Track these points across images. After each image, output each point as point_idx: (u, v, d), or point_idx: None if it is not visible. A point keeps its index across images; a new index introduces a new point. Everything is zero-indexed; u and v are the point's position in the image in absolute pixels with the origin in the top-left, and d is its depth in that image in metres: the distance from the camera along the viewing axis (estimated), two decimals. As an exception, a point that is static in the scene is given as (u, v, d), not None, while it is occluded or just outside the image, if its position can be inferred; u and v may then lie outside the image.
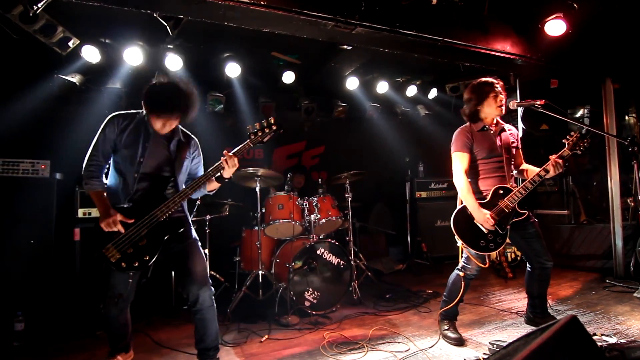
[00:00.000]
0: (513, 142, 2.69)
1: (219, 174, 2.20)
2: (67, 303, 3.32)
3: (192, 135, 2.42)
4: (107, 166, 2.22)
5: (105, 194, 2.15)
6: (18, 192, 3.19)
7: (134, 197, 2.15)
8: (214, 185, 2.31)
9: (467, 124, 2.69)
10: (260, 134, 2.23)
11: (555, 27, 3.42)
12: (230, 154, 2.18)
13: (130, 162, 2.16)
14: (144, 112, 2.20)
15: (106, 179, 2.23)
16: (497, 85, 2.58)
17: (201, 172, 2.44)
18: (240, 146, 2.21)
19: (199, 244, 2.32)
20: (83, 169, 2.14)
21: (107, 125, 2.16)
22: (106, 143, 2.15)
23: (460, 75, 4.94)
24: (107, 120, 2.17)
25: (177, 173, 2.25)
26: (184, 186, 2.30)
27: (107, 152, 2.17)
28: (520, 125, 4.31)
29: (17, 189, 3.19)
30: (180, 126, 2.33)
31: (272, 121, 2.24)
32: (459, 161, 2.60)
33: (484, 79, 2.65)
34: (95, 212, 3.03)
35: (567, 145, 2.49)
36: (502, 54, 3.58)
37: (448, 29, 3.27)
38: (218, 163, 2.18)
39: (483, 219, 2.46)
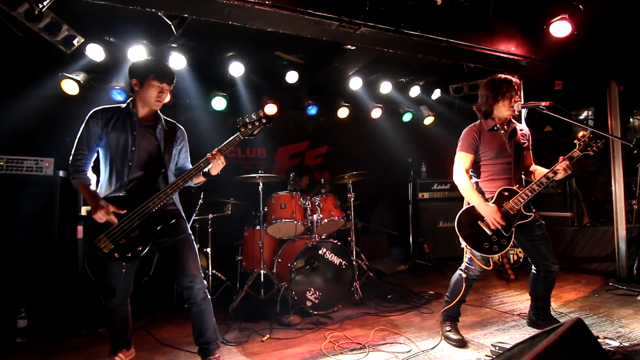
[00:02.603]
0: (524, 143, 2.64)
1: (206, 169, 2.25)
2: (70, 300, 3.33)
3: (177, 123, 2.43)
4: (92, 160, 2.24)
5: (92, 187, 2.18)
6: (22, 190, 3.20)
7: (127, 188, 2.17)
8: (200, 179, 2.36)
9: (478, 122, 2.65)
10: (250, 127, 2.28)
11: (560, 28, 3.39)
12: (217, 149, 2.22)
13: (122, 152, 2.19)
14: (128, 102, 2.27)
15: (94, 172, 2.25)
16: (514, 85, 2.53)
17: (188, 163, 2.47)
18: (230, 139, 2.25)
19: (192, 238, 2.33)
20: (69, 164, 2.17)
21: (91, 119, 2.20)
22: (91, 137, 2.18)
23: (464, 76, 4.93)
24: (89, 115, 2.21)
25: (167, 163, 2.27)
26: (173, 176, 2.33)
27: (92, 146, 2.20)
28: (525, 126, 4.29)
29: (21, 187, 3.20)
30: (161, 114, 2.36)
31: (262, 114, 2.29)
32: (461, 160, 2.58)
33: (502, 76, 2.57)
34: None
35: (577, 146, 2.42)
36: (506, 55, 3.56)
37: (453, 30, 3.25)
38: (206, 157, 2.21)
39: (490, 213, 2.42)
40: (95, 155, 2.25)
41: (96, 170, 2.26)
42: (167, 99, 2.29)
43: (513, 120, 2.65)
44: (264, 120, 2.29)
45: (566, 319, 2.87)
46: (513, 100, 2.51)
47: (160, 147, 2.28)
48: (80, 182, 2.16)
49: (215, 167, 2.24)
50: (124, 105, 2.28)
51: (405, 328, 2.98)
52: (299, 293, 3.27)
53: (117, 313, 2.30)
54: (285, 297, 3.29)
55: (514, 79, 2.56)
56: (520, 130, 2.67)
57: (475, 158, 2.60)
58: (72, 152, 2.18)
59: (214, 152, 2.22)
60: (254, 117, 2.29)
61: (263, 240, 3.62)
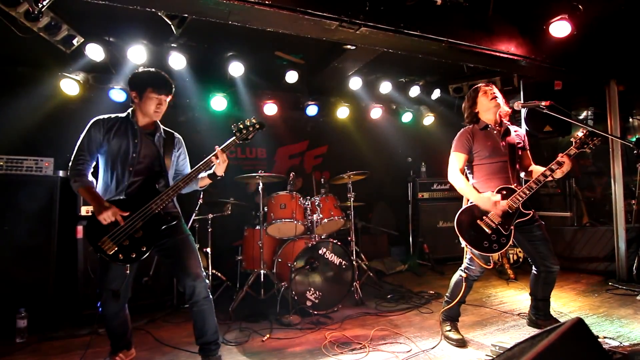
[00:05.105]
0: (519, 143, 2.67)
1: (210, 170, 2.31)
2: (70, 300, 3.33)
3: (174, 132, 2.50)
4: (93, 165, 2.27)
5: (94, 189, 2.20)
6: (22, 190, 3.19)
7: (127, 191, 2.21)
8: (205, 182, 2.40)
9: (471, 125, 2.71)
10: (244, 132, 2.37)
11: (560, 28, 3.39)
12: (220, 147, 2.28)
13: (123, 157, 2.23)
14: (128, 111, 2.32)
15: (93, 178, 2.28)
16: (485, 86, 2.66)
17: (188, 169, 2.51)
18: (227, 142, 2.33)
19: (192, 238, 2.36)
20: (69, 169, 2.19)
21: (92, 127, 2.24)
22: (92, 143, 2.22)
23: (464, 76, 4.92)
24: (90, 124, 2.25)
25: (167, 167, 2.34)
26: (172, 181, 2.39)
27: (93, 152, 2.24)
28: (524, 126, 4.29)
29: (20, 187, 3.19)
30: (160, 123, 2.41)
31: (254, 121, 2.39)
32: (455, 161, 2.63)
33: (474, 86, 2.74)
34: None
35: (574, 144, 2.44)
36: (506, 55, 3.56)
37: (452, 30, 3.25)
38: (208, 158, 2.27)
39: (490, 203, 2.44)
40: (95, 161, 2.28)
41: (94, 175, 2.29)
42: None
43: (506, 122, 2.68)
44: (257, 126, 2.39)
45: (566, 319, 2.87)
46: (488, 93, 2.60)
47: (160, 152, 2.34)
48: (82, 185, 2.17)
49: (220, 166, 2.29)
50: (124, 114, 2.33)
51: (405, 328, 2.98)
52: (299, 293, 3.27)
53: (115, 319, 2.31)
54: (285, 297, 3.29)
55: (484, 84, 2.70)
56: (515, 131, 2.71)
57: (469, 158, 2.64)
58: (72, 158, 2.20)
59: (216, 151, 2.26)
60: (247, 122, 2.38)
61: (263, 240, 3.62)
